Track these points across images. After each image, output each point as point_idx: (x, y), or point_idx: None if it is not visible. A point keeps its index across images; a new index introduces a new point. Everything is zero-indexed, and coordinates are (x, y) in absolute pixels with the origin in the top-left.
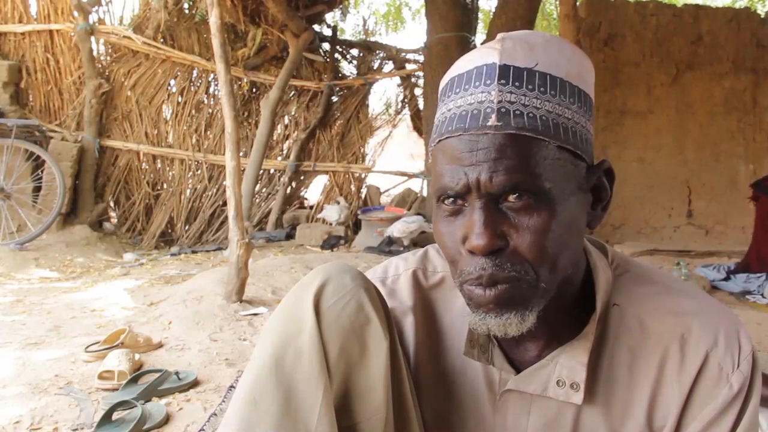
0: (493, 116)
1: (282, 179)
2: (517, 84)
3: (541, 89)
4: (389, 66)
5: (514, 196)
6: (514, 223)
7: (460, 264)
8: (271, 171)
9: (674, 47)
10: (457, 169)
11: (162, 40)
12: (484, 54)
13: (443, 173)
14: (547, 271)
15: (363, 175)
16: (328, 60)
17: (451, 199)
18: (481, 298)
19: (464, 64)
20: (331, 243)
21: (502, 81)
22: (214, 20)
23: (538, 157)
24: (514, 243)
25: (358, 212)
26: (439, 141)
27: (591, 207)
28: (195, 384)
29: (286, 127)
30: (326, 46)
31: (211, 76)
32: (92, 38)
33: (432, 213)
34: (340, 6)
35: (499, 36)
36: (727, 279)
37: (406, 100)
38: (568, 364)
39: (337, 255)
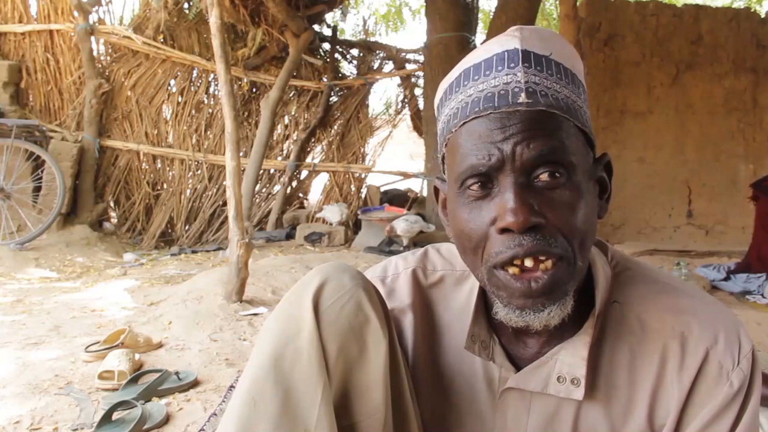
0: (523, 94)
1: (282, 179)
2: (538, 68)
3: (558, 75)
4: (389, 66)
5: (547, 171)
6: (548, 200)
7: (489, 247)
8: (271, 171)
9: (674, 47)
10: (488, 146)
11: (162, 40)
12: (503, 42)
13: (470, 153)
14: (579, 249)
15: (363, 175)
16: (327, 61)
17: (479, 182)
18: (525, 291)
19: (480, 54)
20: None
21: (526, 64)
22: (214, 20)
23: (566, 134)
24: (551, 219)
25: (358, 212)
26: (464, 124)
27: (598, 196)
28: (195, 384)
29: (286, 127)
30: (326, 46)
31: (211, 76)
32: (92, 38)
33: (431, 213)
34: (340, 6)
35: (514, 27)
36: (727, 279)
37: (406, 100)
38: (568, 360)
39: (337, 255)
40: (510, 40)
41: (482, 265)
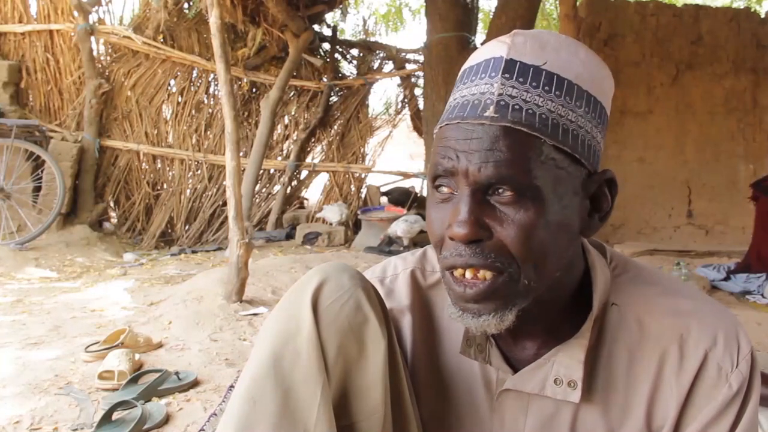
0: (492, 107)
1: (282, 179)
2: (521, 80)
3: (546, 88)
4: (389, 66)
5: (502, 189)
6: (500, 216)
7: (443, 249)
8: (271, 171)
9: (674, 47)
10: (449, 150)
11: (162, 40)
12: (494, 48)
13: (436, 154)
14: (532, 268)
15: (363, 175)
16: (327, 61)
17: (444, 186)
18: (460, 294)
19: (477, 56)
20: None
21: (506, 75)
22: (214, 20)
23: (531, 153)
24: (498, 236)
25: (358, 212)
26: (440, 128)
27: (588, 215)
28: (195, 384)
29: (286, 127)
30: (326, 46)
31: (211, 76)
32: (92, 38)
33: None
34: (340, 6)
35: (513, 31)
36: (727, 279)
37: (406, 100)
38: (565, 362)
39: (337, 255)
40: (499, 47)
41: (439, 262)
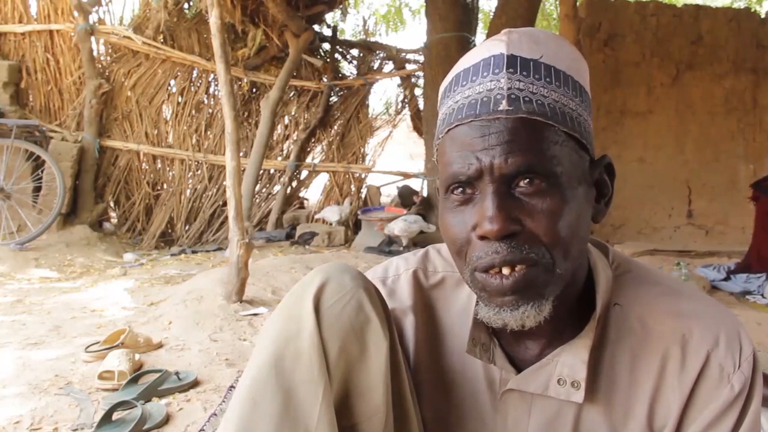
0: (504, 102)
1: (282, 179)
2: (524, 73)
3: (547, 79)
4: (389, 66)
5: (527, 180)
6: (527, 208)
7: (470, 251)
8: (271, 171)
9: (674, 47)
10: (468, 155)
11: (162, 40)
12: (490, 46)
13: (453, 161)
14: (562, 256)
15: (363, 175)
16: (327, 61)
17: (461, 189)
18: (498, 287)
19: (470, 58)
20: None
21: (511, 69)
22: (214, 20)
23: (550, 141)
24: (528, 227)
25: (358, 212)
26: (448, 131)
27: (595, 200)
28: (195, 384)
29: (286, 127)
30: (326, 46)
31: (211, 76)
32: (92, 38)
33: (431, 212)
34: (340, 6)
35: (504, 30)
36: (727, 279)
37: (406, 100)
38: (568, 362)
39: (337, 255)
40: (497, 44)
41: (466, 267)
